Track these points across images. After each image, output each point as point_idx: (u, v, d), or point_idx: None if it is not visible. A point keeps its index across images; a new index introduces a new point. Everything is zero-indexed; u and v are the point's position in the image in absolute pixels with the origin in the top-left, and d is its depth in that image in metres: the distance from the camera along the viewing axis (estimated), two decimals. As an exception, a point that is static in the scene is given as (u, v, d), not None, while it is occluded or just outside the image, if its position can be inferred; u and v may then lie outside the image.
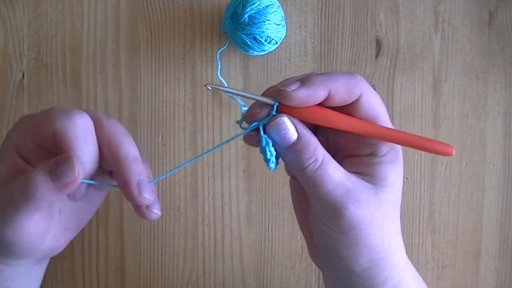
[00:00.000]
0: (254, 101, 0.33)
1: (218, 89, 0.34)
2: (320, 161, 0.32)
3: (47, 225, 0.35)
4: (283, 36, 0.48)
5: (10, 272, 0.37)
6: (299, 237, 0.50)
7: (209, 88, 0.34)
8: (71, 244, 0.49)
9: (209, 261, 0.50)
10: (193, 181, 0.50)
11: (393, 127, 0.35)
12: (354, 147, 0.35)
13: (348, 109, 0.33)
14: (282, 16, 0.47)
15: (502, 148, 0.52)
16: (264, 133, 0.33)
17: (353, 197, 0.32)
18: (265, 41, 0.46)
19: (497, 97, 0.52)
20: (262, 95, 0.34)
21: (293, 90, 0.32)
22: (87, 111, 0.34)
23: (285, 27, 0.47)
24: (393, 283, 0.35)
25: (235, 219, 0.50)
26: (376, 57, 0.51)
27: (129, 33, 0.49)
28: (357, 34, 0.50)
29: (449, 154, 0.34)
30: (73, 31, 0.49)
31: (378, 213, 0.33)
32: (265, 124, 0.33)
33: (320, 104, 0.33)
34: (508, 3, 0.52)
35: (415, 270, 0.38)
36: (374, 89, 0.50)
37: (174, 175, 0.49)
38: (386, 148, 0.34)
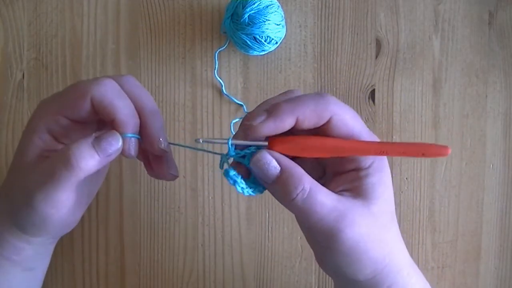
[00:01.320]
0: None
1: (209, 142, 0.35)
2: (307, 189, 0.32)
3: (78, 198, 0.36)
4: (283, 36, 0.48)
5: (31, 251, 0.39)
6: (299, 237, 0.50)
7: (200, 141, 0.35)
8: (71, 244, 0.49)
9: (209, 261, 0.50)
10: (193, 181, 0.50)
11: (375, 140, 0.34)
12: (338, 164, 0.35)
13: (321, 131, 0.33)
14: (282, 16, 0.47)
15: (502, 148, 0.52)
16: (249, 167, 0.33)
17: (347, 219, 0.32)
18: (265, 41, 0.46)
19: (497, 97, 0.52)
20: (243, 122, 0.34)
21: (259, 123, 0.32)
22: (106, 76, 0.37)
23: (285, 27, 0.47)
24: None
25: (235, 219, 0.50)
26: (376, 57, 0.51)
27: (129, 33, 0.49)
28: (357, 34, 0.50)
29: (444, 155, 0.33)
30: (73, 31, 0.49)
31: (374, 227, 0.33)
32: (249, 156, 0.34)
33: (290, 131, 0.33)
34: (508, 3, 0.52)
35: (419, 272, 0.38)
36: (374, 89, 0.51)
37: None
38: (368, 160, 0.34)
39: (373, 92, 0.51)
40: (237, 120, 0.49)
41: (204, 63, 0.49)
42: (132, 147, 0.35)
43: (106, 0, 0.49)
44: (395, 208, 0.50)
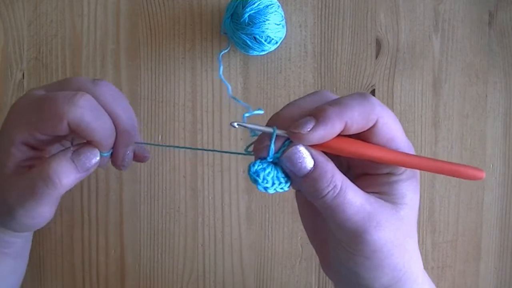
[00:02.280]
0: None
1: (246, 126, 0.32)
2: (339, 188, 0.31)
3: (56, 205, 0.37)
4: (283, 36, 0.48)
5: (20, 242, 0.41)
6: (299, 237, 0.50)
7: (235, 125, 0.32)
8: (71, 244, 0.49)
9: (209, 261, 0.50)
10: (193, 181, 0.50)
11: (411, 148, 0.33)
12: (371, 166, 0.33)
13: (365, 134, 0.32)
14: (282, 16, 0.47)
15: (502, 148, 0.52)
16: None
17: (374, 221, 0.31)
18: (265, 41, 0.46)
19: (497, 97, 0.52)
20: (270, 124, 0.32)
21: (309, 131, 0.30)
22: (78, 82, 0.36)
23: (285, 27, 0.47)
24: None
25: (235, 219, 0.50)
26: (376, 57, 0.51)
27: (129, 33, 0.49)
28: (357, 34, 0.50)
29: (479, 178, 0.31)
30: (73, 31, 0.49)
31: (399, 232, 0.32)
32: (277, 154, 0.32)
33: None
34: (508, 3, 0.52)
35: (430, 280, 0.38)
36: (374, 89, 0.51)
37: (174, 175, 0.49)
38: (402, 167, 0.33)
39: (373, 92, 0.51)
40: (248, 115, 0.48)
41: (204, 63, 0.49)
42: (106, 162, 0.36)
43: (106, 0, 0.49)
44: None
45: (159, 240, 0.49)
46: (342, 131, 0.31)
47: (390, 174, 0.33)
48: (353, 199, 0.31)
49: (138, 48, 0.49)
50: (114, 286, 0.49)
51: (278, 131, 0.31)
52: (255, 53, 0.47)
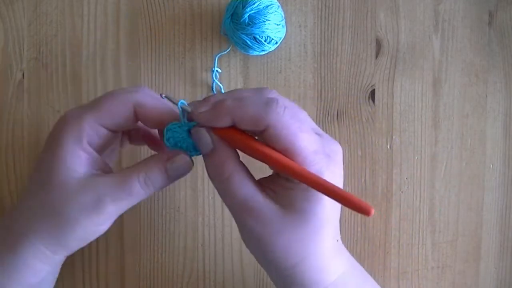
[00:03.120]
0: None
1: (168, 98, 0.37)
2: (225, 176, 0.34)
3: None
4: (283, 36, 0.48)
5: (45, 272, 0.38)
6: (299, 237, 0.50)
7: (163, 96, 0.37)
8: (71, 244, 0.49)
9: (209, 261, 0.50)
10: (193, 181, 0.50)
11: (320, 159, 0.34)
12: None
13: (261, 137, 0.34)
14: (282, 16, 0.47)
15: (502, 148, 0.52)
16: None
17: (253, 215, 0.34)
18: (265, 41, 0.46)
19: (497, 97, 0.52)
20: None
21: (200, 112, 0.34)
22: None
23: (285, 27, 0.47)
24: None
25: (235, 219, 0.50)
26: (376, 57, 0.51)
27: (129, 33, 0.49)
28: (357, 34, 0.50)
29: (367, 214, 0.31)
30: (73, 31, 0.49)
31: (282, 235, 0.34)
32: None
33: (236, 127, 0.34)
34: (508, 3, 0.52)
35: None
36: (374, 89, 0.51)
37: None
38: None
39: (373, 92, 0.51)
40: (221, 54, 0.49)
41: (204, 63, 0.49)
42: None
43: (106, 0, 0.49)
44: (395, 208, 0.51)
45: (159, 240, 0.49)
46: (235, 126, 0.34)
47: (287, 179, 0.35)
48: (237, 190, 0.34)
49: (138, 48, 0.49)
50: (114, 286, 0.49)
51: (184, 106, 0.36)
52: (255, 53, 0.47)
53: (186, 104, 0.36)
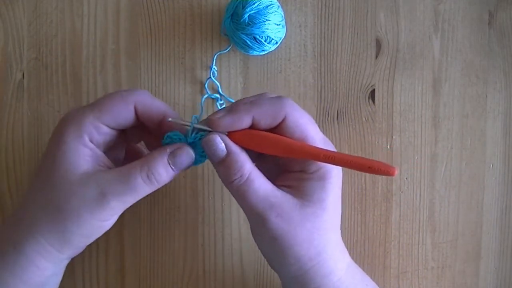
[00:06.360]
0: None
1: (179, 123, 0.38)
2: (245, 177, 0.35)
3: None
4: (283, 36, 0.48)
5: (50, 271, 0.38)
6: (299, 237, 0.50)
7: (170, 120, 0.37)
8: (71, 244, 0.49)
9: (209, 261, 0.50)
10: (193, 181, 0.50)
11: (329, 145, 0.37)
12: (287, 164, 0.38)
13: (278, 130, 0.36)
14: (282, 16, 0.47)
15: (502, 148, 0.52)
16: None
17: (276, 211, 0.35)
18: (265, 41, 0.46)
19: (497, 97, 0.52)
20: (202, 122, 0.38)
21: (219, 118, 0.35)
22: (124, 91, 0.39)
23: (285, 27, 0.47)
24: None
25: (235, 219, 0.50)
26: (376, 57, 0.51)
27: (129, 33, 0.49)
28: (357, 34, 0.50)
29: (391, 175, 0.33)
30: (73, 31, 0.49)
31: (303, 227, 0.35)
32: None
33: (251, 128, 0.36)
34: (508, 3, 0.52)
35: (360, 281, 0.39)
36: (374, 89, 0.51)
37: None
38: (314, 166, 0.36)
39: (373, 92, 0.51)
40: (206, 96, 0.49)
41: (204, 63, 0.49)
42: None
43: (106, 0, 0.49)
44: (395, 208, 0.51)
45: (159, 240, 0.50)
46: (254, 126, 0.36)
47: (302, 172, 0.36)
48: (258, 189, 0.35)
49: (138, 48, 0.49)
50: (114, 286, 0.49)
51: (199, 124, 0.37)
52: (255, 53, 0.47)
53: (197, 122, 0.37)
